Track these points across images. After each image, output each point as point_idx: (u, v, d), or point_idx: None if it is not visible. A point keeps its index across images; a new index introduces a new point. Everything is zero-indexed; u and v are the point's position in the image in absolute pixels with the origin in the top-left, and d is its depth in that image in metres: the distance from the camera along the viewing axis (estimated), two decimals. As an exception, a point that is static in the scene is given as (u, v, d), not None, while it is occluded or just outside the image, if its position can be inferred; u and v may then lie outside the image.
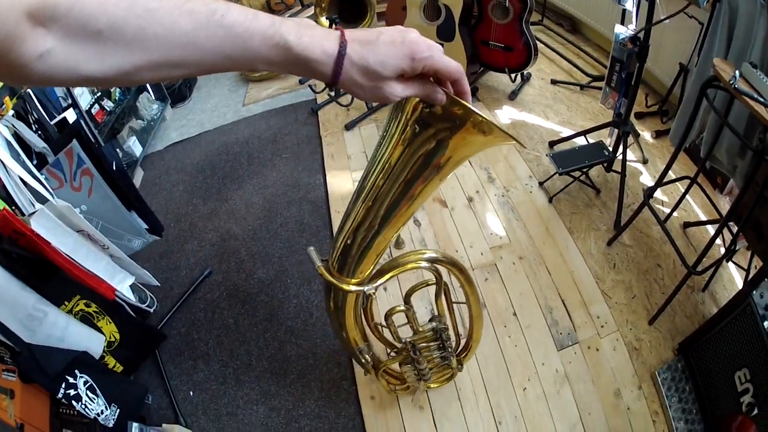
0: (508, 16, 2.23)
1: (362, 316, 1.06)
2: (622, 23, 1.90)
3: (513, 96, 2.54)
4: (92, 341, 1.24)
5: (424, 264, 0.95)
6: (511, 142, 0.57)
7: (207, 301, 1.81)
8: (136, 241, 1.57)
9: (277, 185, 2.21)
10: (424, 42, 0.48)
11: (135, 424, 1.19)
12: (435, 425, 1.42)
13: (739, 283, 1.65)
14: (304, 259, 1.83)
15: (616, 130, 1.91)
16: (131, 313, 1.44)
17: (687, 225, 1.90)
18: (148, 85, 2.60)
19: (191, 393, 1.56)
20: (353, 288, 0.85)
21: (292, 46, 0.44)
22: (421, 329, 1.12)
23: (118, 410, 1.17)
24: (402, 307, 1.05)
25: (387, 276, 0.90)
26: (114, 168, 1.46)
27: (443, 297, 1.08)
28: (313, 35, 0.45)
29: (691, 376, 1.40)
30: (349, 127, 2.47)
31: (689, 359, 1.42)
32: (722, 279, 1.68)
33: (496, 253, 1.81)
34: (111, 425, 1.14)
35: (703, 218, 1.90)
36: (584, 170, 1.90)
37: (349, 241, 0.81)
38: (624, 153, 1.89)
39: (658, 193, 2.04)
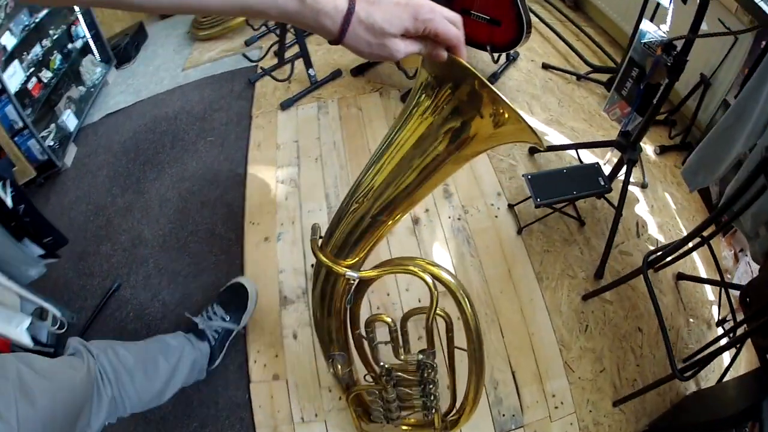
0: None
1: (345, 315, 0.96)
2: (652, 20, 1.41)
3: (492, 80, 2.03)
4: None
5: (427, 277, 0.81)
6: (531, 140, 0.59)
7: (116, 321, 1.54)
8: (32, 270, 1.37)
9: (195, 178, 1.84)
10: (428, 4, 0.51)
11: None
12: None
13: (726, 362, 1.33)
14: (210, 284, 1.50)
15: (617, 152, 1.44)
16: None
17: (681, 277, 1.55)
18: (93, 46, 2.37)
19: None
20: (348, 273, 0.79)
21: None
22: (403, 358, 0.94)
23: None
24: (388, 319, 0.90)
25: (379, 270, 0.81)
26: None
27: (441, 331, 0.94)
28: None
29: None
30: (285, 106, 1.99)
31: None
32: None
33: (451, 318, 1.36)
34: None
35: (702, 271, 1.51)
36: (569, 202, 1.45)
37: (353, 222, 0.77)
38: (625, 186, 1.44)
39: (652, 226, 1.63)
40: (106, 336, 1.33)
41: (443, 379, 1.03)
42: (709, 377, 1.36)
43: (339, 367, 1.00)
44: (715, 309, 1.58)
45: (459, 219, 1.56)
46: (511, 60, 2.13)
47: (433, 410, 1.02)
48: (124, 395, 0.98)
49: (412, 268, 0.81)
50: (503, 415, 1.25)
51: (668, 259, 1.28)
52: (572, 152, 1.74)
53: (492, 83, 1.88)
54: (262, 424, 1.26)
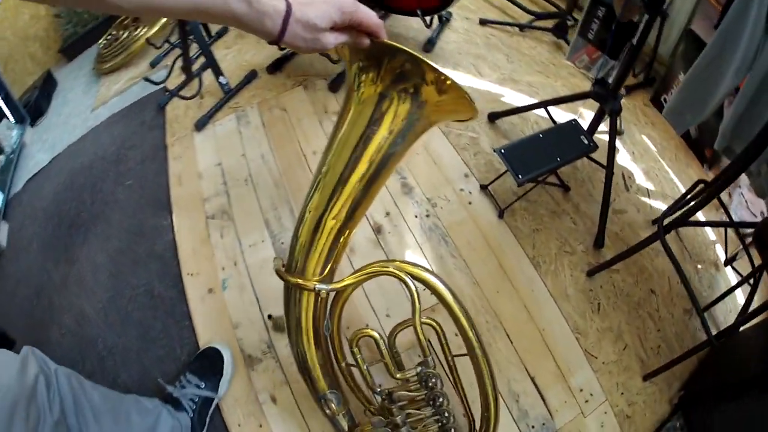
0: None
1: (327, 345, 0.89)
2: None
3: (429, 46, 1.79)
4: None
5: (404, 276, 0.77)
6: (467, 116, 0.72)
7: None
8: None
9: (120, 234, 1.57)
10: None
11: None
12: None
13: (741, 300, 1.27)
14: (164, 357, 1.28)
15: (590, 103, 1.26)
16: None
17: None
18: (6, 109, 2.16)
19: None
20: (318, 286, 0.77)
21: (253, 1, 0.52)
22: (400, 375, 0.86)
23: None
24: (374, 333, 0.84)
25: (350, 278, 0.79)
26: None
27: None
28: None
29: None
30: (200, 125, 1.70)
31: (692, 421, 1.09)
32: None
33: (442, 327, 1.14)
34: None
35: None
36: (553, 171, 1.25)
37: (310, 230, 0.77)
38: (612, 140, 1.27)
39: (638, 174, 1.47)
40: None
41: (454, 399, 0.92)
42: (727, 318, 1.27)
43: (333, 406, 0.89)
44: (719, 249, 1.46)
45: (428, 216, 1.33)
46: (445, 21, 1.90)
47: (453, 431, 0.88)
48: None
49: (388, 268, 0.78)
50: (533, 428, 1.08)
51: (676, 215, 1.11)
52: (537, 112, 1.54)
53: (429, 50, 1.66)
54: None
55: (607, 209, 1.28)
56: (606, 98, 1.30)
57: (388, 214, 1.35)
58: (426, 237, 1.30)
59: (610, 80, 1.26)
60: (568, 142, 1.28)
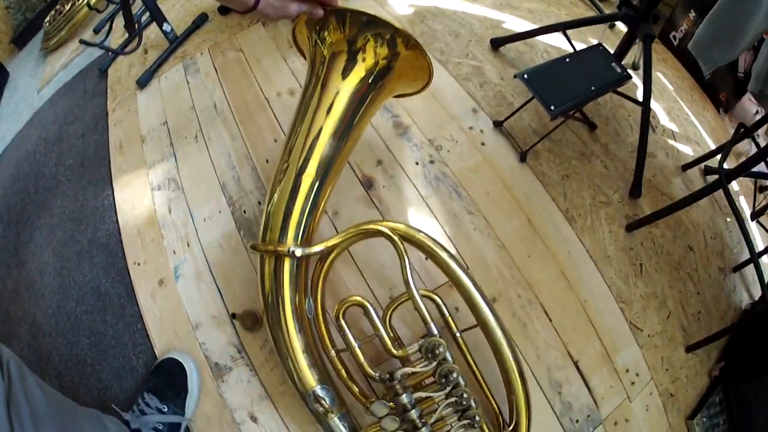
0: None
1: (312, 330, 0.76)
2: None
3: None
4: None
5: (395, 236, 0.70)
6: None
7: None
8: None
9: (63, 223, 1.31)
10: None
11: None
12: None
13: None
14: (120, 369, 1.03)
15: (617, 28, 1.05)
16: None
17: (709, 171, 1.29)
18: None
19: None
20: (292, 248, 0.69)
21: None
22: (401, 352, 0.71)
23: None
24: (361, 299, 0.72)
25: (335, 239, 0.71)
26: None
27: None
28: None
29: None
30: (142, 82, 1.40)
31: (729, 393, 1.00)
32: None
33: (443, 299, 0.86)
34: None
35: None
36: (587, 102, 1.00)
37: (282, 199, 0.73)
38: (647, 68, 1.04)
39: (661, 114, 1.29)
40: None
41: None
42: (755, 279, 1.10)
43: (326, 404, 0.72)
44: (742, 200, 1.31)
45: (432, 162, 1.04)
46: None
47: (477, 418, 0.72)
48: None
49: (376, 227, 0.70)
50: (577, 422, 0.87)
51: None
52: (546, 40, 1.28)
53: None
54: None
55: (644, 154, 1.05)
56: (637, 21, 1.08)
57: (380, 162, 1.04)
58: (432, 188, 1.00)
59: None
60: (598, 69, 1.05)
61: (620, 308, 0.96)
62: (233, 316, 0.89)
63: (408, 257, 0.68)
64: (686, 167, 1.21)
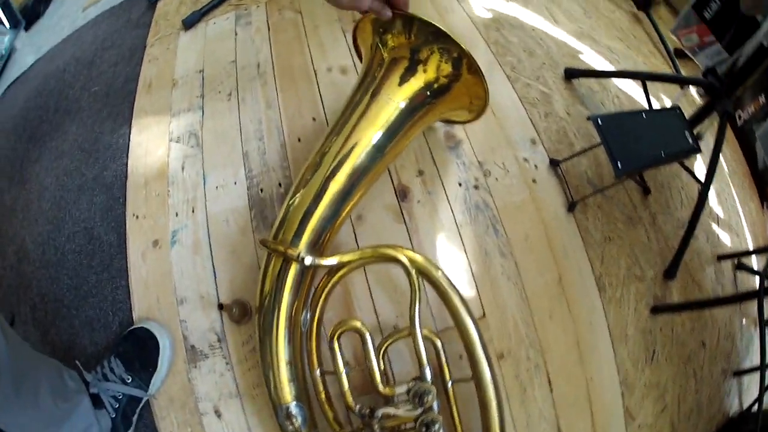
0: None
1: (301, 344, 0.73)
2: None
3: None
4: None
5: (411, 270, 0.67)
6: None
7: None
8: None
9: (73, 151, 1.25)
10: None
11: None
12: None
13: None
14: (94, 320, 0.97)
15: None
16: None
17: (741, 267, 1.18)
18: (1, 14, 2.09)
19: None
20: (302, 254, 0.67)
21: None
22: (388, 389, 0.68)
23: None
24: (359, 324, 0.69)
25: (347, 256, 0.68)
26: None
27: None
28: None
29: None
30: (188, 23, 1.33)
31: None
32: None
33: (449, 350, 0.80)
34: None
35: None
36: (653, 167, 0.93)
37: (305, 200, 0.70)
38: (717, 149, 0.97)
39: (711, 195, 1.24)
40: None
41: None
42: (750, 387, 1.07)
43: (296, 423, 0.70)
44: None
45: (476, 187, 0.95)
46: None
47: None
48: None
49: (395, 254, 0.67)
50: None
51: None
52: (619, 84, 1.19)
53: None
54: None
55: (690, 238, 0.98)
56: (720, 94, 0.99)
57: (420, 173, 0.94)
58: (470, 216, 0.91)
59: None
60: (670, 133, 0.95)
61: (621, 392, 0.90)
62: (221, 306, 0.82)
63: (421, 294, 0.66)
64: (721, 258, 1.15)
